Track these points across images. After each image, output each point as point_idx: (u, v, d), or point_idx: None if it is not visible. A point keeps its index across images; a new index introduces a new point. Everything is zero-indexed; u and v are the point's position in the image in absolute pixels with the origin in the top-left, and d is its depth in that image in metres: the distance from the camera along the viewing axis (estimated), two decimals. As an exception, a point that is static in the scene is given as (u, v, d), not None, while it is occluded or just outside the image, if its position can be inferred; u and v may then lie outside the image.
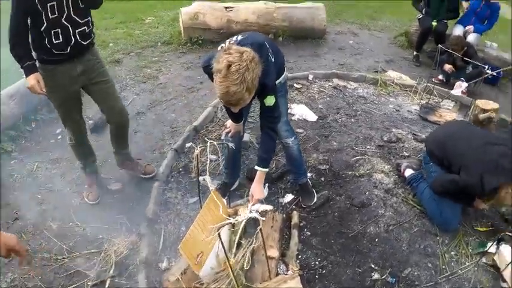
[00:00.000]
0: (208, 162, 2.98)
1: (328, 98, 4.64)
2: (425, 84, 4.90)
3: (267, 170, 2.47)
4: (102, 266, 2.62)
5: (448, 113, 4.54)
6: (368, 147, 3.69)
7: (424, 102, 4.72)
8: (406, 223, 2.95)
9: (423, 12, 5.96)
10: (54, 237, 2.80)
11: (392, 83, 5.14)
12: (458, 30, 5.95)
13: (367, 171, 3.36)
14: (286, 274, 2.46)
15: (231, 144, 2.77)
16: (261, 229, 1.93)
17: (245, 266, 2.19)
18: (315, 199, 3.06)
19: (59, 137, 3.83)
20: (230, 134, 2.81)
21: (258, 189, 2.45)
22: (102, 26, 6.44)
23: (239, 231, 2.24)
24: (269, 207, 2.62)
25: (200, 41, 5.87)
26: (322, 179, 3.32)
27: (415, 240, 2.82)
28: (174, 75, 5.06)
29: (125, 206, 3.09)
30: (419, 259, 2.70)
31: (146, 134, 3.91)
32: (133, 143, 3.59)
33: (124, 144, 3.19)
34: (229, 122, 2.82)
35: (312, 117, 4.16)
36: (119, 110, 2.89)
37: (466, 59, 5.03)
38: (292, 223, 2.82)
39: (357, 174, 3.33)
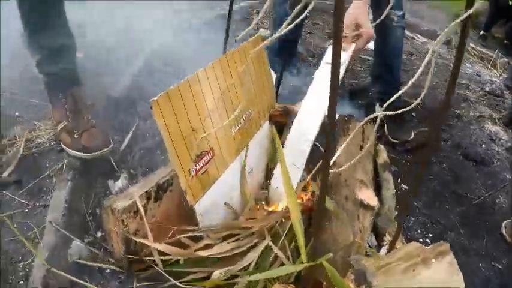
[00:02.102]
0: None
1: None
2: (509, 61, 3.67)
3: None
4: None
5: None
6: (467, 92, 2.32)
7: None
8: (546, 204, 1.60)
9: None
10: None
11: (469, 46, 3.79)
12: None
13: (475, 118, 2.00)
14: (371, 252, 1.09)
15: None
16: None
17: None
18: (413, 134, 1.68)
19: None
20: None
21: (366, 17, 1.15)
22: None
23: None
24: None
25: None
26: (413, 114, 1.94)
27: None
28: None
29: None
30: None
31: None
32: None
33: None
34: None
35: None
36: None
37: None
38: (378, 162, 1.39)
39: (464, 118, 1.95)
